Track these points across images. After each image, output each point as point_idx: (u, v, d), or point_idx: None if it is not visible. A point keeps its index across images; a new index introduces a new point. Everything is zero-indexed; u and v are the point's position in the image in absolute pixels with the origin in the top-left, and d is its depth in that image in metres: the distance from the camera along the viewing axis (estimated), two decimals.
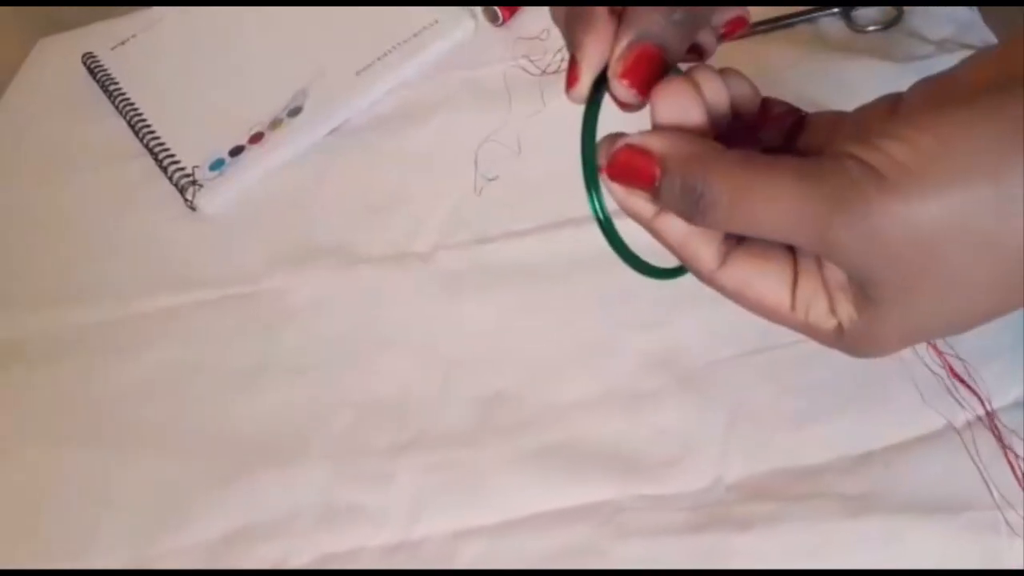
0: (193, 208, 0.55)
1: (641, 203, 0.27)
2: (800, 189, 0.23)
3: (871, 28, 0.50)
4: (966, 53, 0.46)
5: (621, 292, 0.41)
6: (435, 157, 0.53)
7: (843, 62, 0.49)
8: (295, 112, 0.58)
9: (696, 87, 0.26)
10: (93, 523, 0.41)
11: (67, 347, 0.49)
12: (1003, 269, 0.22)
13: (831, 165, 0.23)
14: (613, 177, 0.26)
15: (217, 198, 0.55)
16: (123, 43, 0.68)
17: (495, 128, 0.52)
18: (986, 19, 0.48)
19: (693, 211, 0.25)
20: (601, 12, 0.27)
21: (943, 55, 0.47)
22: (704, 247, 0.27)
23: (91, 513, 0.42)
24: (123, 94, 0.63)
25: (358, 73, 0.58)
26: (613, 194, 0.27)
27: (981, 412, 0.34)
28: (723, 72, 0.27)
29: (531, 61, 0.56)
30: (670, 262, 0.29)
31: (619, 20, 0.27)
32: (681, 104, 0.26)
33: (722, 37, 0.31)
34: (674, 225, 0.26)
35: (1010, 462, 0.32)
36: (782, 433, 0.36)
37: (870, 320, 0.25)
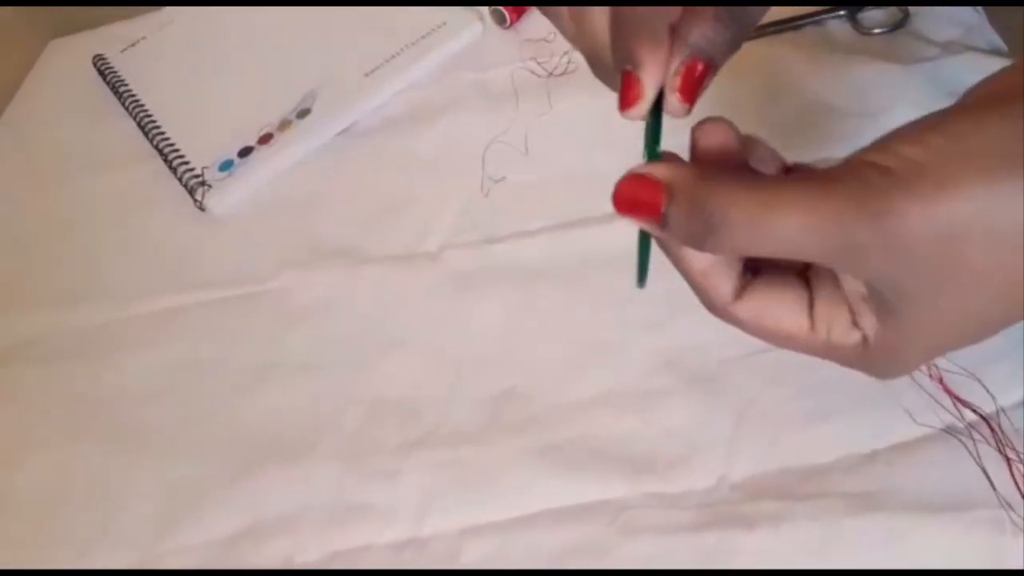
0: (202, 208, 0.55)
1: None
2: (817, 200, 0.22)
3: (877, 30, 0.50)
4: (972, 55, 0.47)
5: (629, 292, 0.40)
6: (443, 158, 0.53)
7: (849, 64, 0.49)
8: (304, 113, 0.58)
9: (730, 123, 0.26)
10: (103, 520, 0.42)
11: (78, 346, 0.50)
12: None
13: (848, 173, 0.22)
14: (619, 210, 0.25)
15: (226, 199, 0.55)
16: (133, 45, 0.68)
17: (502, 129, 0.53)
18: (991, 21, 0.48)
19: (705, 234, 0.24)
20: (662, 26, 0.26)
21: (949, 57, 0.47)
22: (724, 279, 0.26)
23: (101, 510, 0.42)
24: (133, 96, 0.63)
25: (367, 75, 0.59)
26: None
27: (986, 412, 0.34)
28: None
29: (538, 63, 0.56)
30: None
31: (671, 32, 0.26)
32: (721, 138, 0.26)
33: None
34: (698, 256, 0.26)
35: (1009, 463, 0.32)
36: (788, 433, 0.36)
37: (894, 328, 0.24)
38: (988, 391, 0.34)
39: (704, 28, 0.26)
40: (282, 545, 0.39)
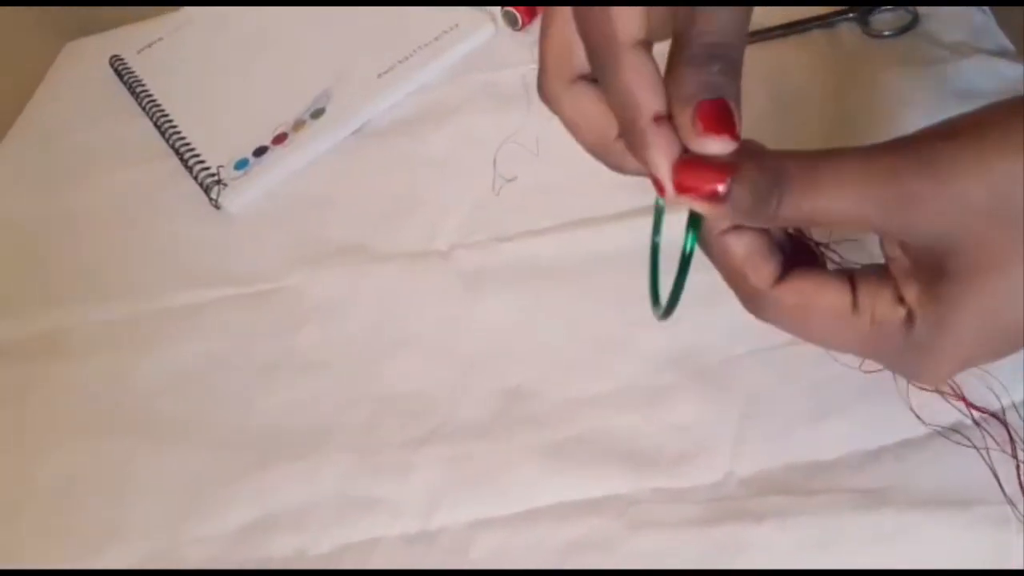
0: (218, 207, 0.56)
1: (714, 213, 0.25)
2: (872, 155, 0.22)
3: (886, 33, 0.50)
4: (981, 57, 0.47)
5: (637, 290, 0.41)
6: (454, 158, 0.54)
7: (858, 66, 0.49)
8: (318, 114, 0.59)
9: None
10: (119, 512, 0.42)
11: (96, 342, 0.51)
12: None
13: (901, 139, 0.22)
14: (680, 189, 0.24)
15: (241, 197, 0.56)
16: (150, 46, 0.69)
17: (514, 130, 0.53)
18: (1000, 23, 0.49)
19: (768, 199, 0.23)
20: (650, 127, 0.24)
21: (958, 59, 0.47)
22: (767, 261, 0.26)
23: (117, 502, 0.43)
24: (150, 96, 0.64)
25: (380, 76, 0.60)
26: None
27: (992, 409, 0.34)
28: None
29: None
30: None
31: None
32: None
33: None
34: (739, 241, 0.26)
35: (1016, 460, 0.32)
36: (795, 428, 0.36)
37: (946, 299, 0.23)
38: (994, 389, 0.34)
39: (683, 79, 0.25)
40: (294, 538, 0.39)
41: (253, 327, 0.49)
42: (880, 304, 0.25)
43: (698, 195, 0.24)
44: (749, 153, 0.24)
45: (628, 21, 0.25)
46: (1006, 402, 0.34)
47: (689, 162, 0.24)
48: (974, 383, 0.34)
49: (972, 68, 0.47)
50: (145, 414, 0.46)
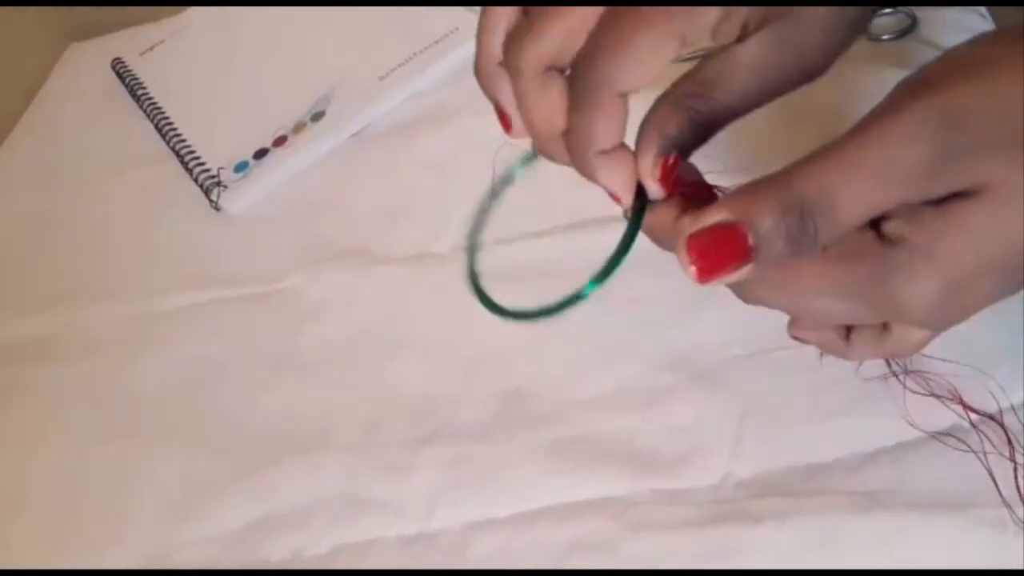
0: (218, 209, 0.56)
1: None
2: (890, 119, 0.22)
3: (886, 36, 0.50)
4: None
5: (636, 292, 0.41)
6: (454, 161, 0.54)
7: (858, 70, 0.49)
8: (318, 116, 0.59)
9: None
10: (120, 512, 0.42)
11: (97, 343, 0.51)
12: None
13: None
14: (703, 279, 0.23)
15: (241, 199, 0.56)
16: (151, 48, 0.70)
17: None
18: (999, 25, 0.49)
19: (803, 232, 0.22)
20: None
21: None
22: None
23: (116, 503, 0.43)
24: (151, 98, 0.65)
25: (380, 79, 0.60)
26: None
27: (990, 412, 0.34)
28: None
29: None
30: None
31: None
32: None
33: None
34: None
35: (1013, 463, 0.32)
36: (793, 430, 0.36)
37: (947, 213, 0.22)
38: (991, 391, 0.34)
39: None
40: (293, 537, 0.39)
41: (253, 329, 0.49)
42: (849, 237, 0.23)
43: (725, 274, 0.23)
44: (756, 194, 0.22)
45: (630, 74, 0.25)
46: (1004, 405, 0.34)
47: (700, 241, 0.22)
48: (972, 386, 0.34)
49: None
50: (145, 415, 0.46)
